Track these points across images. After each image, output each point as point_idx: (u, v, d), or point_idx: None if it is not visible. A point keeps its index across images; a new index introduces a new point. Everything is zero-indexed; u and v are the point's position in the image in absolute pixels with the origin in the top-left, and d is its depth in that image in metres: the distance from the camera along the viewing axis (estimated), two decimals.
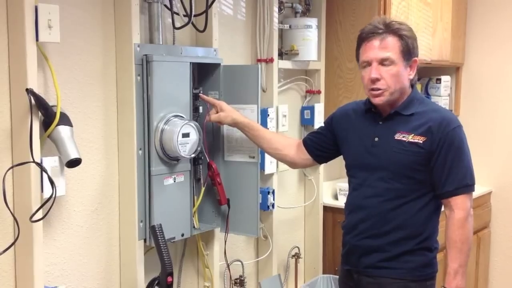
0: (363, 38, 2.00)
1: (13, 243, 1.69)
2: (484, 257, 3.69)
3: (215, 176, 2.27)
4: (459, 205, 1.95)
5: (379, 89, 1.96)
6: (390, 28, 1.96)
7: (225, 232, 2.33)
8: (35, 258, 1.74)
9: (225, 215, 2.33)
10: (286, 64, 2.81)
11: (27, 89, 1.69)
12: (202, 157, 2.28)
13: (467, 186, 1.97)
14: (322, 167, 3.03)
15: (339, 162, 3.31)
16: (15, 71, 1.73)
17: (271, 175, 2.72)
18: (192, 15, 2.09)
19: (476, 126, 3.79)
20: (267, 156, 2.60)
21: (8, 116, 1.75)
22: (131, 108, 2.01)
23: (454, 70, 3.80)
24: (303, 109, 3.03)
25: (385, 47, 1.94)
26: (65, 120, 1.80)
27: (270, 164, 2.68)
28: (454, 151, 1.94)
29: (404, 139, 1.97)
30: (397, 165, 1.99)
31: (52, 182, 1.72)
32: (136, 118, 2.01)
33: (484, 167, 3.74)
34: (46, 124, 1.77)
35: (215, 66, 2.29)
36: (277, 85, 2.75)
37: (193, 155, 2.14)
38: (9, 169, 1.71)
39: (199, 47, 2.30)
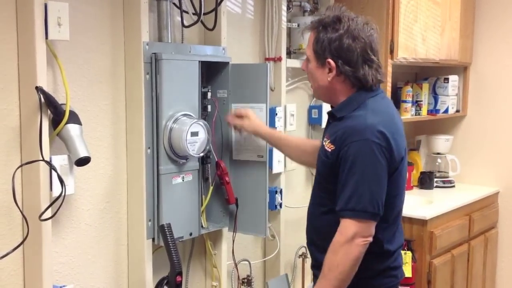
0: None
1: (22, 242, 1.68)
2: (491, 258, 3.67)
3: (224, 175, 2.26)
4: (340, 228, 1.74)
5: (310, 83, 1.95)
6: (314, 22, 1.86)
7: (233, 232, 2.32)
8: (44, 257, 1.73)
9: (233, 215, 2.32)
10: (294, 63, 2.79)
11: (36, 87, 1.68)
12: (211, 156, 2.27)
13: (351, 210, 1.71)
14: None
15: None
16: (25, 69, 1.72)
17: (279, 174, 2.71)
18: (202, 13, 2.08)
19: (484, 125, 3.78)
20: (275, 155, 2.59)
21: (18, 114, 1.74)
22: (140, 106, 2.00)
23: (462, 69, 3.78)
24: (310, 108, 3.01)
25: (308, 42, 1.89)
26: (74, 118, 1.79)
27: (278, 163, 2.67)
28: (348, 168, 1.72)
29: (324, 143, 1.83)
30: (317, 170, 1.89)
31: (61, 181, 1.71)
32: (145, 116, 2.00)
33: (491, 167, 3.74)
34: (55, 122, 1.76)
35: (224, 64, 2.28)
36: (285, 84, 2.73)
37: (201, 154, 2.13)
38: (18, 167, 1.70)
39: (207, 45, 2.29)
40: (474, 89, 3.81)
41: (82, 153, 1.76)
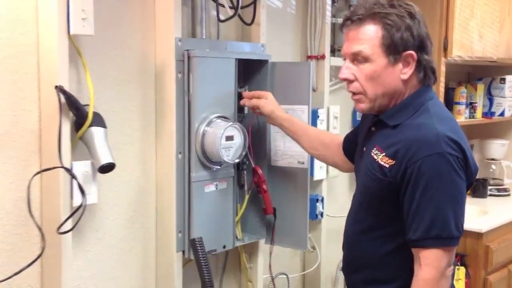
0: (341, 26, 1.61)
1: (37, 258, 1.53)
2: None
3: (261, 183, 2.08)
4: (428, 260, 1.48)
5: (355, 94, 1.60)
6: (370, 12, 1.53)
7: (271, 244, 2.14)
8: (64, 272, 1.59)
9: (270, 225, 2.14)
10: (339, 61, 2.60)
11: (56, 86, 1.54)
12: (247, 162, 2.10)
13: (438, 238, 1.47)
14: None
15: None
16: (45, 67, 1.58)
17: (320, 181, 2.52)
18: (239, 7, 1.91)
19: None
20: (316, 161, 2.40)
21: (37, 115, 1.60)
22: (171, 108, 1.84)
23: None
24: (355, 110, 2.81)
25: (359, 38, 1.53)
26: (98, 120, 1.64)
27: (320, 170, 2.48)
28: (422, 188, 1.46)
29: (376, 157, 1.55)
30: (365, 188, 1.62)
31: (82, 190, 1.56)
32: (176, 119, 1.84)
33: None
34: (77, 125, 1.61)
35: (262, 63, 2.10)
36: (329, 84, 2.54)
37: (237, 160, 1.96)
38: (34, 175, 1.55)
39: (245, 42, 2.12)
40: None
41: (106, 159, 1.61)
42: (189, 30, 1.94)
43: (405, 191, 1.50)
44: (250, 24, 2.04)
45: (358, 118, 2.78)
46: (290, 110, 2.09)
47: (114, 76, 1.78)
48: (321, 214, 2.50)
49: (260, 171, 2.08)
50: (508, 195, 3.46)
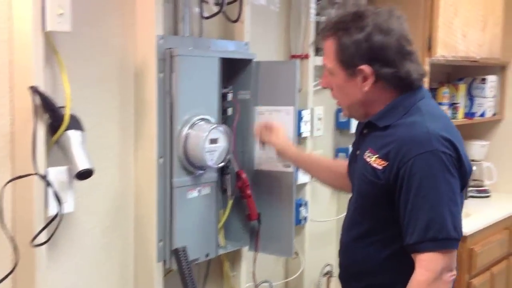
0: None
1: (10, 272, 1.41)
2: None
3: (245, 187, 2.00)
4: (423, 262, 1.42)
5: (336, 100, 1.64)
6: (331, 26, 1.55)
7: (255, 251, 2.06)
8: (37, 287, 1.47)
9: (254, 231, 2.06)
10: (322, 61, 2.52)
11: (30, 87, 1.43)
12: (230, 166, 2.01)
13: (433, 240, 1.41)
14: None
15: None
16: (18, 66, 1.46)
17: (304, 185, 2.44)
18: (225, 3, 1.81)
19: None
20: None
21: (9, 118, 1.48)
22: (152, 109, 1.73)
23: (499, 69, 3.47)
24: (338, 111, 2.74)
25: (324, 52, 1.59)
26: (75, 123, 1.53)
27: (303, 173, 2.40)
28: (415, 188, 1.42)
29: (368, 159, 1.51)
30: (359, 192, 1.58)
31: (58, 199, 1.45)
32: (157, 121, 1.74)
33: None
34: (53, 128, 1.50)
35: (247, 62, 2.01)
36: (312, 84, 2.46)
37: (221, 164, 1.86)
38: (7, 182, 1.44)
39: (228, 40, 2.02)
40: None
41: (83, 165, 1.50)
42: (171, 27, 1.84)
43: (400, 193, 1.45)
44: (235, 21, 1.95)
45: (341, 119, 2.72)
46: (275, 111, 2.01)
47: (92, 76, 1.67)
48: (305, 219, 2.43)
49: (244, 176, 2.00)
50: (488, 196, 3.43)
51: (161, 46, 1.73)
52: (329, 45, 1.54)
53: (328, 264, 2.64)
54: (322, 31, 1.59)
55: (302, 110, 2.36)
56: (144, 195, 1.78)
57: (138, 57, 1.75)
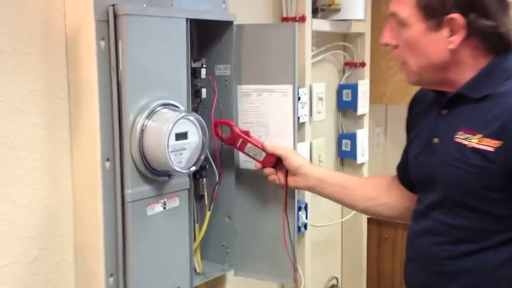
0: None
1: None
2: None
3: (243, 133, 1.52)
4: None
5: (400, 61, 1.35)
6: None
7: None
8: None
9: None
10: (323, 24, 2.06)
11: None
12: (207, 166, 1.52)
13: None
14: (365, 169, 2.30)
15: (382, 161, 2.60)
16: None
17: None
18: None
19: None
20: None
21: None
22: (92, 93, 1.26)
23: None
24: (341, 88, 2.27)
25: None
26: None
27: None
28: None
29: (465, 142, 1.25)
30: (456, 187, 1.28)
31: None
32: (100, 109, 1.26)
33: None
34: None
35: (225, 25, 1.54)
36: (310, 55, 1.98)
37: (193, 168, 1.37)
38: None
39: None
40: None
41: None
42: None
43: None
44: None
45: (345, 98, 2.25)
46: (266, 92, 1.52)
47: (2, 48, 1.17)
48: (305, 226, 1.97)
49: (237, 129, 1.52)
50: None
51: (101, 2, 1.24)
52: None
53: (334, 277, 2.19)
54: None
55: (299, 88, 1.89)
56: (86, 213, 1.32)
57: (69, 19, 1.27)
